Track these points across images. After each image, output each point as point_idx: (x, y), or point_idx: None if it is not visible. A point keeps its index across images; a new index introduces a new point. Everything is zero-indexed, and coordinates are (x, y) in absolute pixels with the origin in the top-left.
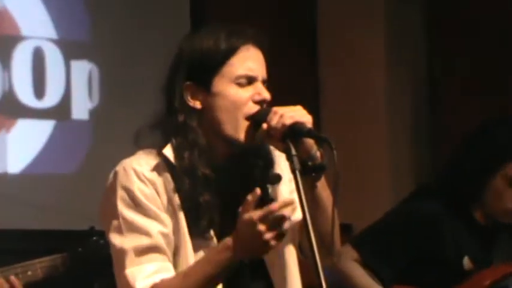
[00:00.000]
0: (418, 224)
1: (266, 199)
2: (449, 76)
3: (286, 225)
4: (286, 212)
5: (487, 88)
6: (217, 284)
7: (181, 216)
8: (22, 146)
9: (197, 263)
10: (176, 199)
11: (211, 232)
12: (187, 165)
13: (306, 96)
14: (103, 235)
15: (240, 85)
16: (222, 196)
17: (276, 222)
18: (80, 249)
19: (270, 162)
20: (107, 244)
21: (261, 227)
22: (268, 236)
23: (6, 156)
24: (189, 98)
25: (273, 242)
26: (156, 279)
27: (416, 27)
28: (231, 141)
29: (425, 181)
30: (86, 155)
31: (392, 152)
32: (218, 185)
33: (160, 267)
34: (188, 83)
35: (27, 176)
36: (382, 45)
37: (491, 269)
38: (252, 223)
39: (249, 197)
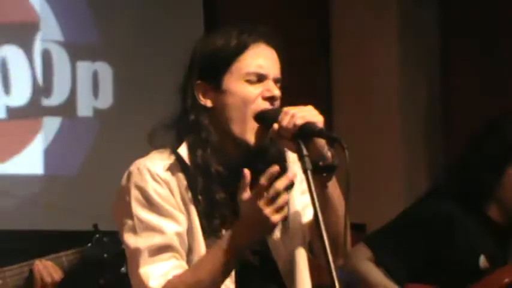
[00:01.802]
0: (432, 224)
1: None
2: (462, 76)
3: (284, 198)
4: (279, 185)
5: (501, 87)
6: (228, 273)
7: (195, 215)
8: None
9: (206, 254)
10: (190, 198)
11: (224, 231)
12: (200, 162)
13: (318, 96)
14: (107, 233)
15: (250, 82)
16: (234, 195)
17: (272, 196)
18: (84, 247)
19: (282, 169)
20: (110, 242)
21: (260, 203)
22: (267, 211)
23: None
24: (200, 96)
25: (273, 218)
26: (169, 276)
27: (430, 26)
28: (240, 142)
29: (438, 180)
30: (92, 155)
31: (406, 152)
32: (230, 183)
33: (174, 266)
34: (199, 81)
35: (39, 176)
36: (395, 45)
37: (509, 266)
38: (250, 202)
39: (242, 181)
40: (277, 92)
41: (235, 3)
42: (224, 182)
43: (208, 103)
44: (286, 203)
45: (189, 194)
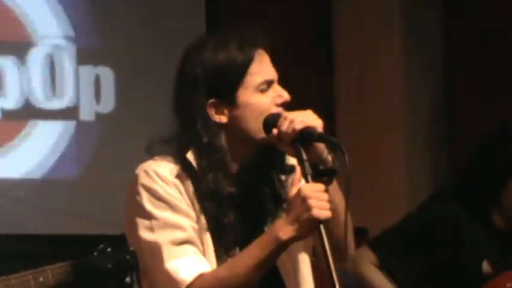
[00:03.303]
0: (436, 228)
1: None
2: (466, 79)
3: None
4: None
5: (504, 89)
6: (264, 269)
7: (203, 221)
8: (37, 151)
9: (245, 250)
10: (197, 204)
11: (237, 250)
12: (212, 187)
13: (321, 97)
14: (111, 240)
15: (262, 91)
16: (243, 207)
17: (318, 190)
18: (87, 257)
19: (282, 154)
20: (115, 252)
21: (306, 194)
22: (311, 202)
23: (21, 161)
24: (213, 114)
25: (315, 211)
26: (200, 269)
27: (433, 29)
28: (256, 146)
29: (441, 183)
30: (94, 159)
31: (408, 155)
32: (240, 201)
33: (198, 259)
34: (211, 100)
35: (41, 180)
36: (398, 46)
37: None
38: (296, 193)
39: (294, 177)
40: (287, 96)
41: (238, 10)
42: (235, 201)
43: (223, 119)
44: (330, 202)
45: (196, 200)
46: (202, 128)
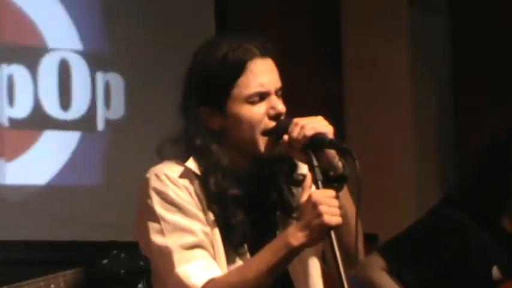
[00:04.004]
0: (445, 234)
1: (288, 204)
2: (473, 85)
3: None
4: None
5: None
6: (274, 275)
7: (216, 229)
8: (48, 157)
9: (256, 255)
10: (208, 206)
11: (245, 247)
12: (214, 190)
13: (330, 103)
14: (123, 246)
15: (253, 103)
16: (250, 209)
17: (329, 196)
18: (100, 263)
19: (293, 166)
20: (127, 258)
21: (316, 200)
22: (322, 208)
23: (32, 167)
24: (205, 121)
25: (326, 217)
26: (211, 274)
27: (441, 35)
28: (252, 157)
29: (450, 189)
30: (104, 165)
31: (417, 161)
32: (245, 201)
33: (208, 264)
34: (203, 107)
35: (52, 187)
36: (406, 53)
37: None
38: (307, 199)
39: (305, 183)
40: (281, 107)
41: (248, 18)
42: (239, 201)
43: (214, 126)
44: (341, 209)
45: (206, 201)
46: (196, 131)
